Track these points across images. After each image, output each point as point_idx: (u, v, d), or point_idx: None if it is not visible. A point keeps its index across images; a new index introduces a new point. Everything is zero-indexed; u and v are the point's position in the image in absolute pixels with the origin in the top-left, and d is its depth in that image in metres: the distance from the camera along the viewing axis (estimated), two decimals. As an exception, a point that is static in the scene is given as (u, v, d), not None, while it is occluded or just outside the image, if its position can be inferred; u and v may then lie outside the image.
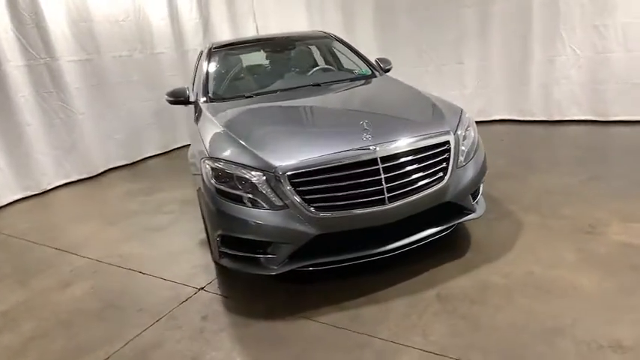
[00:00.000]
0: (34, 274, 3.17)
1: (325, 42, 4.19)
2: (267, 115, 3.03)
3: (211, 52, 3.86)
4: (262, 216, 2.24)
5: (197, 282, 2.77)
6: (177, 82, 6.50)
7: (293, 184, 2.22)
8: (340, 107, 3.10)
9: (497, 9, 5.36)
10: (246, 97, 3.33)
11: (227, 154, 2.42)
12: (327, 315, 2.28)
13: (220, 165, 2.38)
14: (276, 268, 2.31)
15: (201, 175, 2.46)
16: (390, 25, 6.14)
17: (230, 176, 2.34)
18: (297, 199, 2.21)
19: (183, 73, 6.65)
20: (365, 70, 3.84)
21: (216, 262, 2.64)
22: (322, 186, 2.23)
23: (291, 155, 2.29)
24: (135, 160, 6.08)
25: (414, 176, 2.34)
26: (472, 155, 2.60)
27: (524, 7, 5.18)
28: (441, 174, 2.42)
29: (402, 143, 2.34)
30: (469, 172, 2.53)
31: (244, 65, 4.08)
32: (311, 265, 2.31)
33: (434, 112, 2.72)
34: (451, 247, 2.75)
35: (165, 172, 5.62)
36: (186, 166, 5.25)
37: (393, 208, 2.28)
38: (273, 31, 7.26)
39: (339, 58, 4.07)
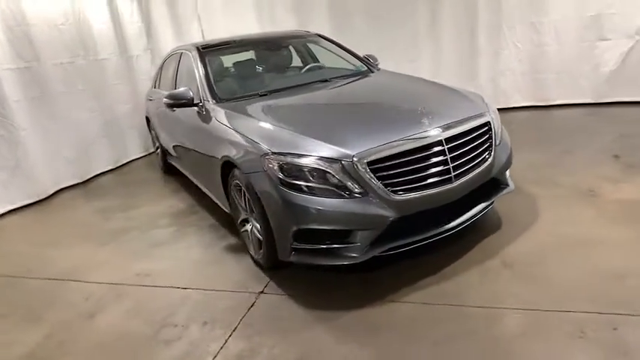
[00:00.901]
0: (41, 309, 2.74)
1: (313, 40, 4.22)
2: (308, 108, 3.01)
3: (202, 53, 3.68)
4: (342, 205, 2.23)
5: (251, 287, 2.64)
6: (123, 91, 6.07)
7: (372, 170, 2.24)
8: (377, 97, 3.17)
9: (446, 9, 5.83)
10: (260, 95, 3.24)
11: (291, 147, 2.36)
12: (410, 295, 2.34)
13: (289, 159, 2.31)
14: (357, 255, 2.30)
15: (265, 172, 2.37)
16: (344, 27, 6.32)
17: (301, 169, 2.29)
18: (377, 184, 2.24)
19: (129, 80, 6.19)
20: (359, 65, 3.94)
21: (275, 263, 2.58)
22: (397, 170, 2.29)
23: (363, 142, 2.31)
24: (87, 178, 5.49)
25: (470, 155, 2.50)
26: (501, 135, 2.85)
27: (470, 6, 5.71)
28: (488, 152, 2.62)
29: (458, 125, 2.50)
30: (504, 150, 2.77)
31: (242, 65, 3.95)
32: (391, 249, 2.35)
33: (464, 97, 2.93)
34: (486, 222, 2.96)
35: (128, 187, 5.14)
36: (144, 180, 4.67)
37: (457, 186, 2.41)
38: (221, 35, 7.03)
39: (331, 56, 4.12)
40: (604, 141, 4.25)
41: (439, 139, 2.37)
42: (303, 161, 2.29)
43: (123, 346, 2.30)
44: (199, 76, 3.46)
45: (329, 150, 2.29)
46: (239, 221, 2.96)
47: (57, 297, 2.88)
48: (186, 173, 4.22)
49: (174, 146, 4.26)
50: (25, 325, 2.60)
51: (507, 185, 2.82)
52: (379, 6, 6.10)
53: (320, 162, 2.27)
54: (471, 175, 2.48)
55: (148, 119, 5.48)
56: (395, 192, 2.27)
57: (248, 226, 2.84)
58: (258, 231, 2.64)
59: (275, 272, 2.73)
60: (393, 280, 2.48)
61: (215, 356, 2.10)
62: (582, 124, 4.97)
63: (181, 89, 3.37)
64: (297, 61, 4.19)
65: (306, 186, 2.28)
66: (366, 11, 6.18)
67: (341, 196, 2.24)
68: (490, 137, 2.66)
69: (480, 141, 2.59)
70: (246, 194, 2.61)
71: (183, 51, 4.11)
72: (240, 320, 2.33)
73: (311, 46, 4.27)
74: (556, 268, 2.40)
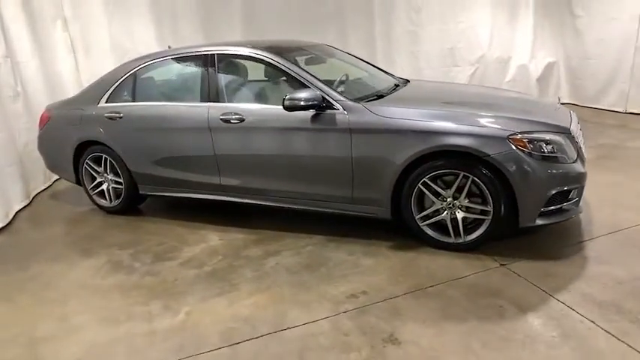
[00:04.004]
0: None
1: (338, 53, 4.28)
2: (464, 100, 3.48)
3: (285, 57, 3.33)
4: (574, 167, 2.79)
5: (486, 265, 2.78)
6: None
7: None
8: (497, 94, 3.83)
9: (351, 38, 6.73)
10: (378, 97, 3.27)
11: (527, 126, 2.76)
12: (593, 233, 3.09)
13: (535, 135, 2.71)
14: (576, 208, 2.89)
15: (514, 151, 2.65)
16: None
17: (541, 143, 2.71)
18: (580, 149, 2.92)
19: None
20: (387, 76, 4.26)
21: (488, 238, 2.88)
22: (575, 138, 3.06)
23: (558, 119, 2.98)
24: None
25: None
26: None
27: (369, 37, 6.80)
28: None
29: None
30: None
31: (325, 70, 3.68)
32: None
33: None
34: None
35: (96, 241, 3.66)
36: (103, 228, 3.86)
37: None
38: (100, 45, 5.72)
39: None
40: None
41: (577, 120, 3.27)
42: (546, 136, 2.74)
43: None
44: (309, 79, 3.16)
45: (554, 125, 2.83)
46: (421, 215, 2.97)
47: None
48: (241, 197, 3.51)
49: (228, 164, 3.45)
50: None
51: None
52: (291, 29, 6.39)
53: (556, 135, 2.77)
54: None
55: (81, 146, 4.02)
56: (579, 154, 3.02)
57: (444, 214, 2.92)
58: (477, 212, 2.85)
59: (482, 250, 2.93)
60: (560, 230, 3.13)
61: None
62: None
63: (305, 91, 3.02)
64: (360, 69, 4.12)
65: (548, 156, 2.73)
66: (279, 32, 6.35)
67: (568, 162, 2.80)
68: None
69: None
70: (473, 178, 2.75)
71: (220, 51, 3.49)
72: (548, 294, 2.47)
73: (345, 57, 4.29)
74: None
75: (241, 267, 3.01)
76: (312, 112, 3.07)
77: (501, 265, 2.79)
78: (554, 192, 2.72)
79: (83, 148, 4.04)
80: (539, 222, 2.79)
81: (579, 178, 2.84)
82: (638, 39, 6.09)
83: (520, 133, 2.71)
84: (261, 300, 2.62)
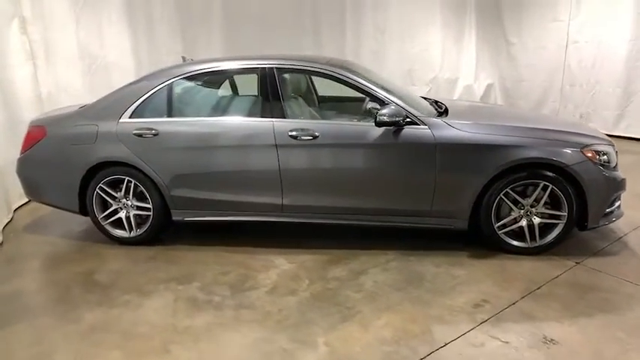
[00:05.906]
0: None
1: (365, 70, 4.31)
2: (523, 116, 3.73)
3: (353, 71, 3.36)
4: (619, 174, 3.22)
5: (565, 265, 3.07)
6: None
7: (613, 150, 3.41)
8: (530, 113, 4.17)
9: (326, 53, 6.83)
10: (439, 115, 3.43)
11: (589, 139, 3.15)
12: (618, 234, 3.62)
13: (597, 147, 3.11)
14: (620, 210, 3.35)
15: (587, 160, 3.02)
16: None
17: (600, 152, 3.12)
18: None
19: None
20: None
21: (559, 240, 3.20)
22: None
23: (599, 133, 3.45)
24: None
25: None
26: None
27: (340, 53, 6.98)
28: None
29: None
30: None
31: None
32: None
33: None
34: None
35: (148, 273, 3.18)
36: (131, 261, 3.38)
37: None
38: (65, 51, 4.95)
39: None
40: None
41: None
42: (605, 148, 3.16)
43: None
44: (386, 94, 3.20)
45: (604, 138, 3.28)
46: (500, 224, 3.17)
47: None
48: (306, 217, 3.36)
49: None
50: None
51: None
52: (271, 39, 6.29)
53: (608, 147, 3.21)
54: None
55: (94, 168, 3.46)
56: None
57: (522, 222, 3.16)
58: (547, 217, 3.14)
59: (550, 252, 3.22)
60: (593, 232, 3.61)
61: None
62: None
63: (390, 107, 3.06)
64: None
65: (604, 164, 3.13)
66: (256, 39, 6.20)
67: (615, 169, 3.25)
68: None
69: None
70: (552, 186, 3.04)
71: (280, 65, 3.34)
72: (634, 283, 2.82)
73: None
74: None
75: (340, 289, 2.88)
76: (393, 128, 3.11)
77: (577, 263, 3.12)
78: (614, 196, 3.16)
79: (95, 170, 3.48)
80: (601, 223, 3.20)
81: (624, 184, 3.31)
82: (565, 65, 7.25)
83: (587, 145, 3.09)
84: (394, 320, 2.55)
